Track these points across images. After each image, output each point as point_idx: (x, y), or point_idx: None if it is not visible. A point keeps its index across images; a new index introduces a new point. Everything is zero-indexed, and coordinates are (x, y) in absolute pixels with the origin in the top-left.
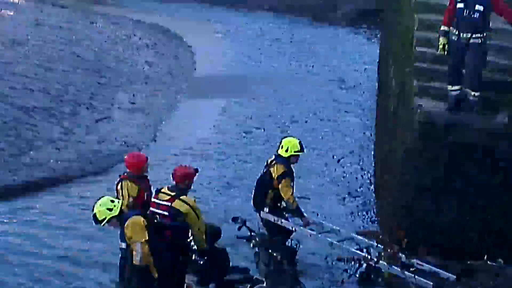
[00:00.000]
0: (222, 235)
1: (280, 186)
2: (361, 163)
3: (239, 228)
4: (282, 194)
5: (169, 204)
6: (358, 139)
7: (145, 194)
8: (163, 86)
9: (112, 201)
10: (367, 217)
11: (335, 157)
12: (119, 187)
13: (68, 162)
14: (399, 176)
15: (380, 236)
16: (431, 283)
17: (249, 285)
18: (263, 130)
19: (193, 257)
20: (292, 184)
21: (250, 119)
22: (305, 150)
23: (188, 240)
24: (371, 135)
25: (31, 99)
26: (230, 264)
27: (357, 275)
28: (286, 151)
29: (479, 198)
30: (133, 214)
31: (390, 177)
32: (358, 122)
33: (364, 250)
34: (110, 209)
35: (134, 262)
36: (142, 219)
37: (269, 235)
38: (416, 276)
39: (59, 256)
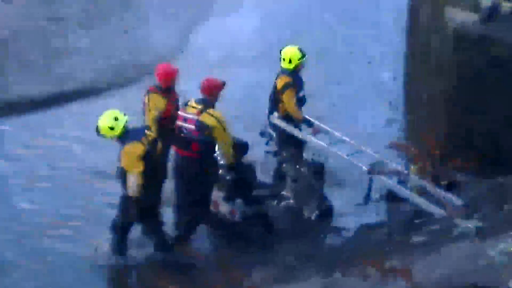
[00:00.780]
0: (249, 150)
1: (283, 97)
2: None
3: (267, 143)
4: (286, 106)
5: (196, 117)
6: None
7: (172, 108)
8: None
9: (116, 119)
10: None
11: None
12: (146, 99)
13: (96, 73)
14: (432, 88)
15: (412, 149)
16: (460, 202)
17: (275, 201)
18: None
19: (220, 172)
20: (296, 94)
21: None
22: (306, 55)
23: (215, 154)
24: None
25: (60, 7)
26: (257, 180)
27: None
28: (290, 62)
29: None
30: (133, 139)
31: (422, 88)
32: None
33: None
34: (112, 128)
35: (128, 192)
36: (140, 147)
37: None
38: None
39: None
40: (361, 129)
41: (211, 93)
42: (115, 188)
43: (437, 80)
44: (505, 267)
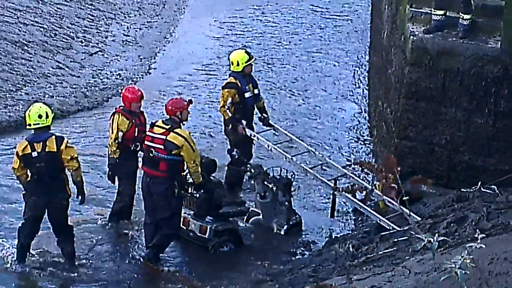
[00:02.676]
0: (217, 167)
1: (221, 94)
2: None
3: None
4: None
5: (164, 137)
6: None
7: (136, 129)
8: (157, 17)
9: (40, 116)
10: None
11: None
12: (111, 120)
13: (63, 97)
14: (394, 103)
15: (375, 166)
16: (417, 219)
17: (245, 217)
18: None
19: (189, 190)
20: (236, 96)
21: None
22: (254, 56)
23: (184, 173)
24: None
25: (24, 33)
26: (226, 197)
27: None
28: (238, 65)
29: (470, 126)
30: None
31: (385, 105)
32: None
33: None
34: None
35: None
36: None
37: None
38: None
39: None
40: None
41: (175, 113)
42: None
43: (396, 94)
44: (467, 280)
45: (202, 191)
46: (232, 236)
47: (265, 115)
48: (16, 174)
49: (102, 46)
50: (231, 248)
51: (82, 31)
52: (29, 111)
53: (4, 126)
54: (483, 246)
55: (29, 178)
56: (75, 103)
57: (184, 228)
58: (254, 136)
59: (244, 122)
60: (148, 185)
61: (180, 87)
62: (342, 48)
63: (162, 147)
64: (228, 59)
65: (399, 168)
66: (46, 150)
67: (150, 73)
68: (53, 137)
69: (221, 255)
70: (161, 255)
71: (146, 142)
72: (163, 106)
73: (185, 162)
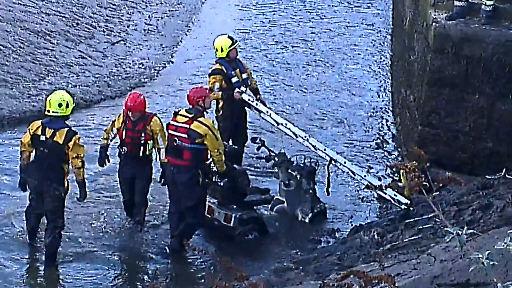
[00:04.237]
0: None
1: (208, 81)
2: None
3: (258, 149)
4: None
5: (187, 126)
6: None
7: (124, 131)
8: (178, 6)
9: (60, 105)
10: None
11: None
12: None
13: (86, 86)
14: (417, 90)
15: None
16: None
17: (269, 206)
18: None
19: (213, 179)
20: (222, 81)
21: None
22: (237, 41)
23: (208, 162)
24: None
25: (47, 23)
26: (250, 185)
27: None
28: (222, 51)
29: (494, 114)
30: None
31: (408, 92)
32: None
33: None
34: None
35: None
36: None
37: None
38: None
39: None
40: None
41: (197, 102)
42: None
43: (419, 82)
44: (493, 267)
45: (226, 179)
46: (256, 225)
47: (259, 95)
48: (21, 149)
49: (124, 35)
50: (256, 237)
51: (104, 20)
52: (51, 97)
53: (28, 116)
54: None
55: (31, 159)
56: (98, 92)
57: (209, 216)
58: (253, 101)
59: (243, 88)
60: (172, 174)
61: (203, 75)
62: (365, 34)
63: (185, 136)
64: (213, 45)
65: (426, 157)
66: (53, 139)
67: (172, 62)
68: (65, 129)
69: (246, 244)
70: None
71: (169, 131)
72: (185, 94)
73: (208, 151)
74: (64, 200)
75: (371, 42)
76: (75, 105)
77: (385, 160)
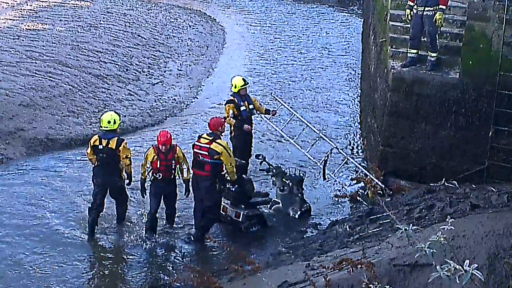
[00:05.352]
0: (248, 168)
1: (224, 109)
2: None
3: (261, 163)
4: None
5: (208, 146)
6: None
7: (158, 162)
8: (202, 56)
9: (109, 122)
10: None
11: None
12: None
13: (133, 116)
14: (379, 119)
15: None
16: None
17: (269, 206)
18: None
19: (227, 186)
20: (233, 111)
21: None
22: (249, 82)
23: (223, 173)
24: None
25: (104, 69)
26: (255, 190)
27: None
28: (235, 87)
29: (437, 137)
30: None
31: (372, 120)
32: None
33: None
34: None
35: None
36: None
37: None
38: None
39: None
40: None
41: (217, 128)
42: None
43: (381, 113)
44: (433, 254)
45: (236, 186)
46: (259, 220)
47: (268, 114)
48: (88, 158)
49: (161, 78)
50: (258, 229)
51: (147, 67)
52: (103, 116)
53: (90, 138)
54: (450, 227)
55: (96, 164)
56: (142, 121)
57: (223, 214)
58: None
59: (246, 126)
60: (197, 182)
61: (220, 108)
62: (340, 77)
63: (207, 153)
64: (230, 82)
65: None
66: (108, 146)
67: (197, 98)
68: (116, 138)
69: (251, 234)
70: (206, 234)
71: (194, 150)
72: (206, 122)
73: (224, 165)
74: (124, 188)
75: (344, 83)
76: (120, 122)
77: (354, 171)
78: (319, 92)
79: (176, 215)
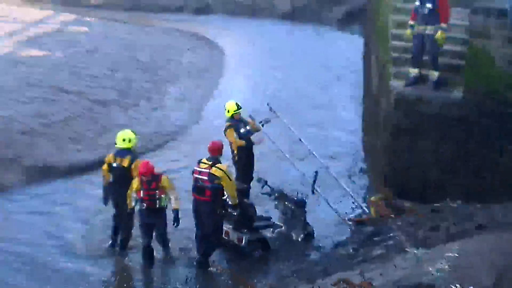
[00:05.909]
0: (250, 192)
1: (226, 135)
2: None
3: (262, 187)
4: (230, 140)
5: (208, 171)
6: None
7: (142, 191)
8: (202, 80)
9: (124, 140)
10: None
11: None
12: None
13: None
14: (383, 137)
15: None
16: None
17: (271, 229)
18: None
19: (228, 210)
20: (236, 133)
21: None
22: (242, 107)
23: (224, 197)
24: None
25: (103, 94)
26: (257, 214)
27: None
28: (228, 112)
29: (439, 154)
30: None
31: (376, 140)
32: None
33: None
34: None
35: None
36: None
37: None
38: None
39: None
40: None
41: (216, 153)
42: None
43: (384, 131)
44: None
45: (238, 210)
46: (262, 244)
47: (261, 127)
48: (103, 174)
49: (162, 102)
50: (261, 253)
51: (147, 91)
52: (118, 134)
53: (90, 165)
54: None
55: (110, 179)
56: (142, 146)
57: (226, 238)
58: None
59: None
60: (197, 207)
61: (220, 132)
62: (344, 94)
63: (206, 178)
64: (224, 107)
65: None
66: (122, 164)
67: (198, 123)
68: (129, 156)
69: (254, 258)
70: (209, 259)
71: (194, 175)
72: (206, 146)
73: (224, 189)
74: (130, 214)
75: (348, 102)
76: (136, 141)
77: (359, 189)
78: (324, 110)
79: (169, 243)
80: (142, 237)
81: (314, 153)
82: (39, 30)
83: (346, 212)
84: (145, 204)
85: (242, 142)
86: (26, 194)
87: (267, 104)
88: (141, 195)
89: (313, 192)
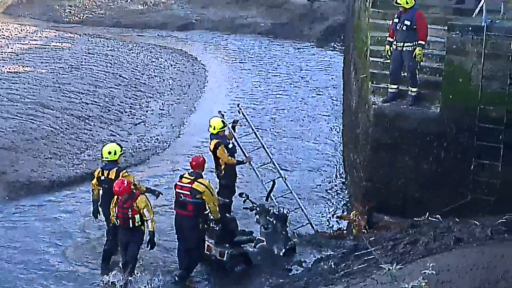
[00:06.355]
0: (231, 207)
1: (218, 154)
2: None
3: (244, 201)
4: (222, 158)
5: (190, 185)
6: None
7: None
8: (184, 95)
9: (109, 153)
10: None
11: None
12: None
13: None
14: (362, 154)
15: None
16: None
17: (253, 244)
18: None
19: (211, 225)
20: (226, 151)
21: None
22: (227, 124)
23: (206, 212)
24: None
25: (86, 110)
26: (239, 229)
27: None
28: (214, 129)
29: (418, 169)
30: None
31: (355, 156)
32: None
33: None
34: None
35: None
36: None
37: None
38: None
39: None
40: None
41: (198, 167)
42: None
43: (363, 148)
44: None
45: (220, 225)
46: (244, 258)
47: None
48: (92, 188)
49: (144, 118)
50: (243, 268)
51: (129, 107)
52: (104, 148)
53: (72, 180)
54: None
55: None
56: (124, 161)
57: (208, 253)
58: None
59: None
60: (179, 222)
61: (202, 147)
62: (325, 110)
63: (188, 193)
64: (209, 122)
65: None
66: (108, 176)
67: (180, 137)
68: (115, 169)
69: (236, 273)
70: (191, 274)
71: (176, 190)
72: (188, 161)
73: (206, 204)
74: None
75: (327, 119)
76: (122, 153)
77: (339, 203)
78: (304, 123)
79: (136, 266)
80: (121, 256)
81: (274, 161)
82: (22, 46)
83: (323, 226)
84: (119, 222)
85: (234, 161)
86: (9, 209)
87: (237, 106)
88: (116, 212)
89: (266, 200)
